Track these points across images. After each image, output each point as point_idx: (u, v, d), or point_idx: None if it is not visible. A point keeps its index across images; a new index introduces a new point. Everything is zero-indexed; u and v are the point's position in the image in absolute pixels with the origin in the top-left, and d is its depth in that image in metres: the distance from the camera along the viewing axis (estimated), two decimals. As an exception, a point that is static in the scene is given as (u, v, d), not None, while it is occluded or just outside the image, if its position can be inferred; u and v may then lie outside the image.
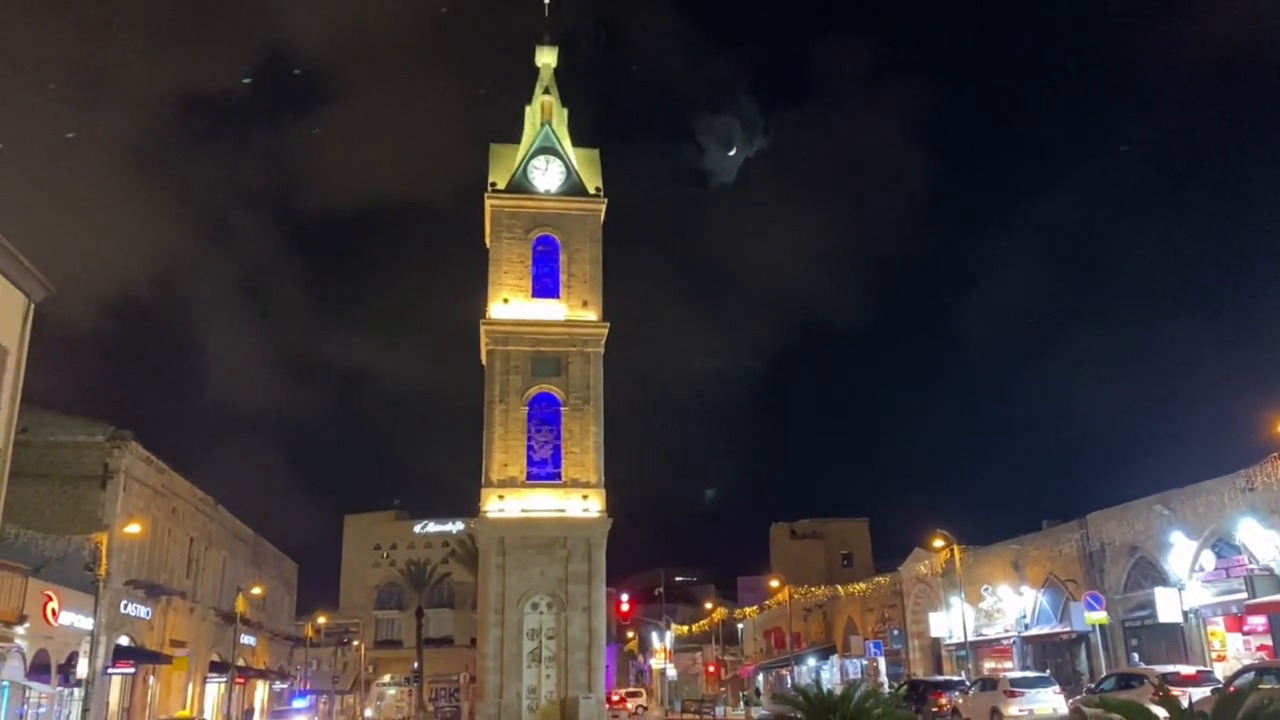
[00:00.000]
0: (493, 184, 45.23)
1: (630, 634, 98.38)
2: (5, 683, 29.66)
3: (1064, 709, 28.48)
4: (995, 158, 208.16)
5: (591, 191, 45.68)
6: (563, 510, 41.62)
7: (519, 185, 45.26)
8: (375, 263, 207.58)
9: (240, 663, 53.87)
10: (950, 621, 48.22)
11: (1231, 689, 19.43)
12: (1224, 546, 32.53)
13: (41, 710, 33.23)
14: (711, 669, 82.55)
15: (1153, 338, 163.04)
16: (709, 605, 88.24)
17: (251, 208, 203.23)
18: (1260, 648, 30.14)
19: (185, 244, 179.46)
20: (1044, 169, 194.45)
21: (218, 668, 51.01)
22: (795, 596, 67.05)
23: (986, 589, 45.56)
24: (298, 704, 52.41)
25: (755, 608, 79.77)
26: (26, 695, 31.85)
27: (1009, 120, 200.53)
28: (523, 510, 41.38)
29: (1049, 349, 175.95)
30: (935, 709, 32.30)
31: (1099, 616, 35.33)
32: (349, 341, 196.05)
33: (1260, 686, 18.51)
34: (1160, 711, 5.70)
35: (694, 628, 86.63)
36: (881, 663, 54.86)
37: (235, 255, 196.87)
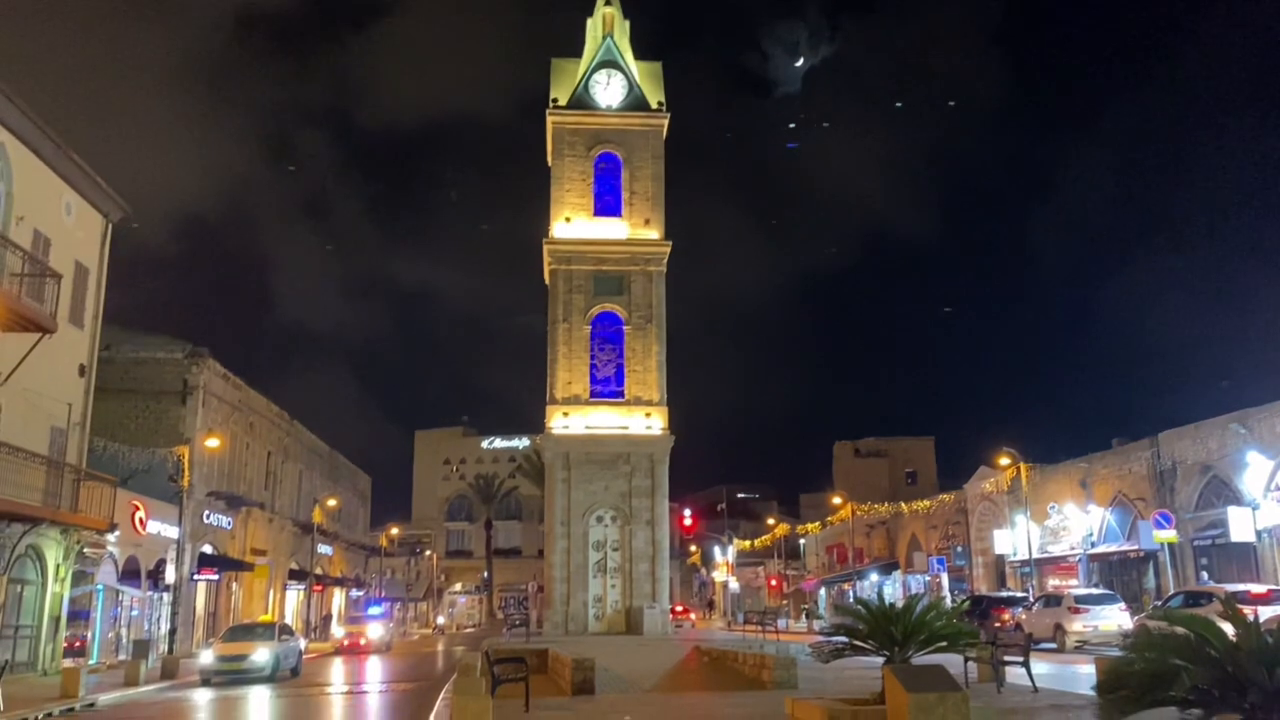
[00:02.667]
0: (554, 100, 44.83)
1: (693, 548, 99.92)
2: (100, 586, 31.33)
3: (1129, 625, 28.37)
4: (1073, 62, 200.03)
5: (654, 106, 45.05)
6: (626, 428, 42.08)
7: (580, 101, 44.80)
8: (437, 181, 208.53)
9: (318, 571, 56.05)
10: (1015, 539, 48.06)
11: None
12: (1302, 466, 31.79)
13: (134, 613, 35.09)
14: (773, 583, 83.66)
15: (1233, 251, 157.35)
16: (771, 521, 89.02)
17: (313, 127, 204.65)
18: (1335, 568, 29.65)
19: (251, 165, 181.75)
20: (1125, 73, 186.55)
21: (296, 575, 53.11)
22: (858, 513, 67.29)
23: (1052, 507, 45.24)
24: (373, 611, 54.39)
25: (818, 524, 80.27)
26: (119, 599, 33.64)
27: (1088, 21, 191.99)
28: (587, 427, 41.92)
29: (1124, 263, 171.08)
30: (998, 624, 32.39)
31: (1168, 535, 34.90)
32: (414, 261, 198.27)
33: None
34: (1227, 627, 5.69)
35: (756, 543, 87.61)
36: (944, 578, 55.08)
37: (300, 175, 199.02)
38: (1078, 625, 28.46)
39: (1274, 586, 26.51)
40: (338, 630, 49.70)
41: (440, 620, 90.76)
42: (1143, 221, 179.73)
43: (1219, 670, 5.15)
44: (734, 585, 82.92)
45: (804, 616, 64.06)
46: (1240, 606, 17.82)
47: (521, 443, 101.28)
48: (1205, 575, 35.50)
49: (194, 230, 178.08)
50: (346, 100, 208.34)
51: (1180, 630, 5.35)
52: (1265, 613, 20.49)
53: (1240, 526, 33.14)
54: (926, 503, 60.46)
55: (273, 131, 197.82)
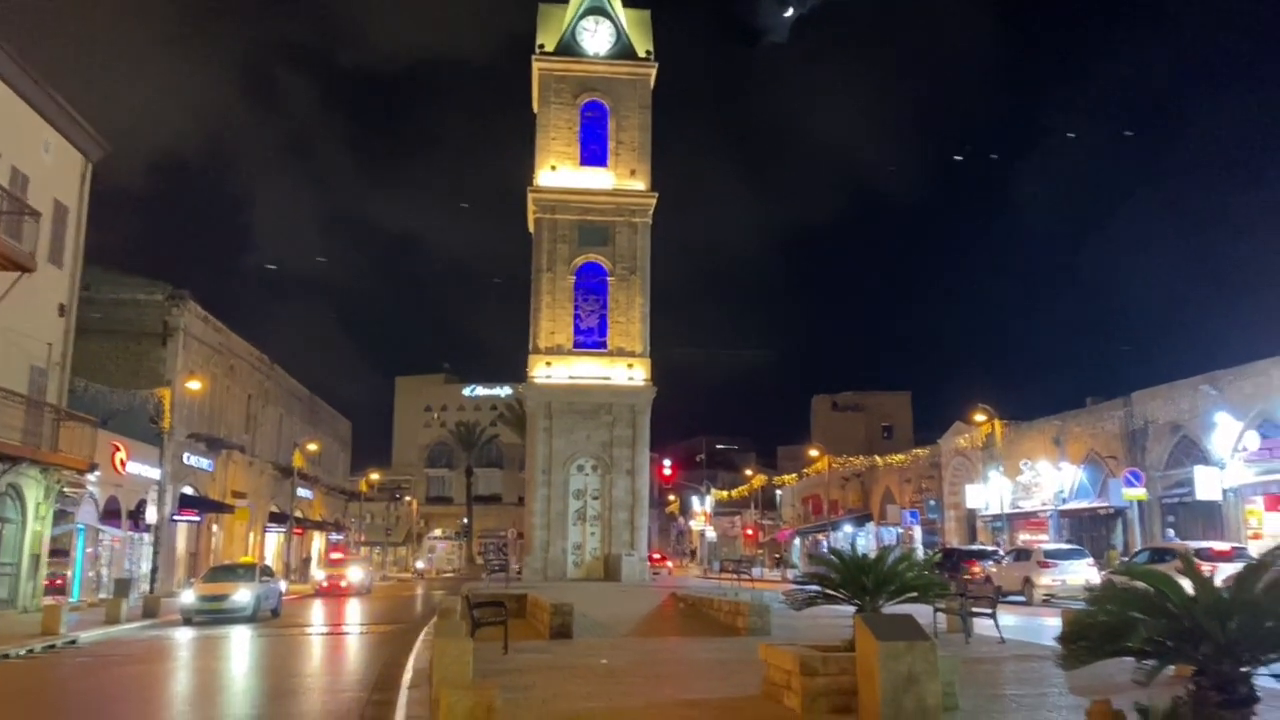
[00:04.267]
0: (540, 46, 44.32)
1: (671, 497, 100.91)
2: (81, 525, 31.47)
3: (1096, 580, 28.99)
4: (1065, 17, 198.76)
5: (641, 55, 44.62)
6: (608, 378, 42.27)
7: (567, 47, 44.32)
8: (421, 124, 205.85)
9: (298, 514, 56.34)
10: (987, 494, 48.84)
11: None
12: (1269, 427, 32.40)
13: (115, 551, 35.30)
14: (750, 532, 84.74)
15: (1213, 214, 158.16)
16: (749, 472, 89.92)
17: (296, 66, 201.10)
18: (1297, 526, 30.39)
19: (232, 103, 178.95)
20: (1118, 32, 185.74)
21: (277, 518, 53.39)
22: (834, 466, 68.09)
23: (1025, 463, 45.92)
24: (354, 555, 55.09)
25: (794, 475, 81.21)
26: (100, 538, 33.81)
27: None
28: (569, 377, 42.09)
29: (1105, 224, 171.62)
30: (968, 577, 33.04)
31: (1138, 493, 35.61)
32: (397, 204, 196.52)
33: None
34: (1187, 583, 5.94)
35: (734, 493, 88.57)
36: (917, 531, 55.96)
37: (282, 115, 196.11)
38: (1046, 579, 29.07)
39: (1237, 544, 27.16)
40: (318, 572, 50.14)
41: (420, 565, 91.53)
42: (1127, 181, 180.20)
43: (1175, 623, 5.40)
44: (711, 534, 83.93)
45: (778, 565, 64.99)
46: (1200, 563, 18.38)
47: (503, 391, 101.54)
48: (1171, 532, 36.27)
49: (173, 169, 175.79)
50: (329, 39, 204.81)
51: (1140, 585, 5.59)
52: (1227, 569, 21.08)
53: (1207, 485, 33.83)
54: (901, 457, 61.25)
55: (255, 70, 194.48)
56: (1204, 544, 25.60)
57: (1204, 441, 35.09)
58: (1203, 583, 5.42)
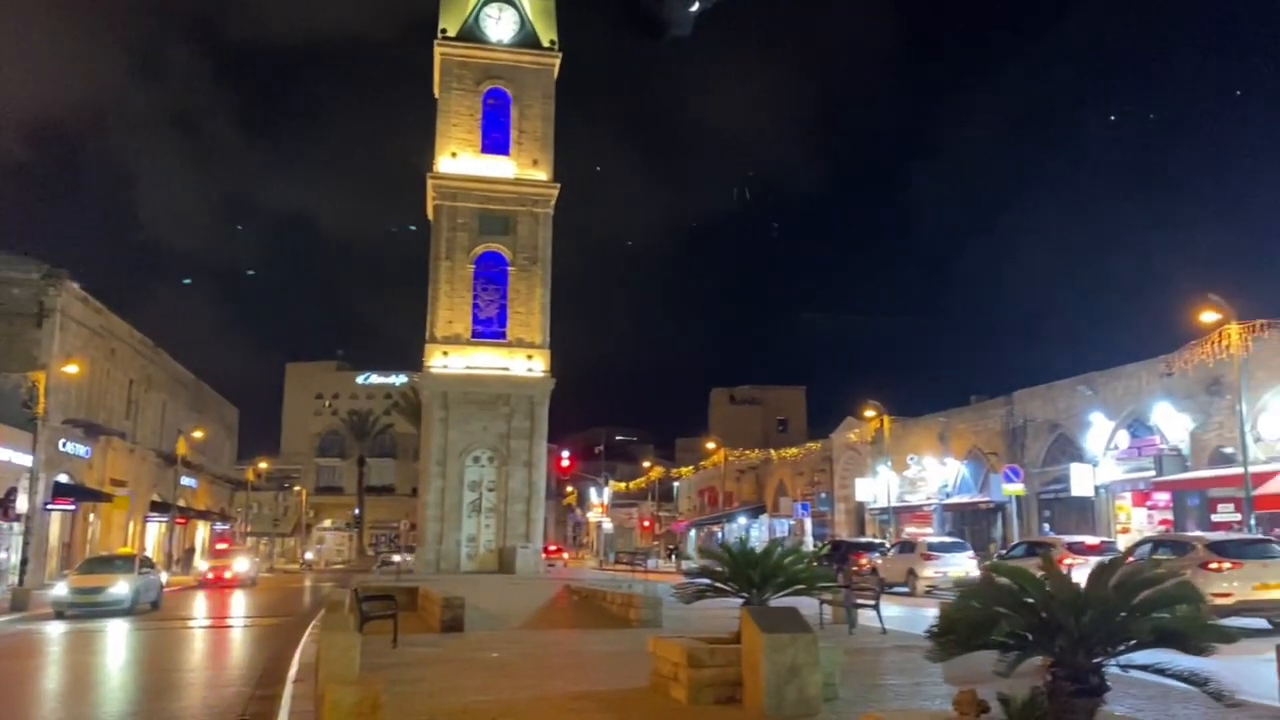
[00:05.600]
0: (442, 30, 43.70)
1: (569, 489, 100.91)
2: (-56, 515, 29.91)
3: (975, 572, 30.15)
4: (963, 23, 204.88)
5: (546, 44, 44.39)
6: (507, 369, 42.03)
7: (470, 34, 43.81)
8: (316, 102, 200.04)
9: (181, 504, 54.55)
10: (876, 487, 50.24)
11: (1129, 559, 20.94)
12: (1139, 427, 34.14)
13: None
14: (646, 524, 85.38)
15: (1092, 220, 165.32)
16: (647, 464, 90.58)
17: (181, 36, 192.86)
18: (1162, 522, 32.09)
19: (114, 74, 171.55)
20: (1012, 38, 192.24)
21: (159, 508, 51.61)
22: (730, 459, 69.12)
23: (912, 458, 47.38)
24: (239, 546, 53.60)
25: (691, 468, 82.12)
26: (-34, 528, 32.18)
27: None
28: (467, 367, 41.71)
29: (995, 225, 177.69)
30: (856, 568, 33.98)
31: (1016, 488, 37.18)
32: (290, 184, 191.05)
33: (1155, 558, 20.00)
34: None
35: (631, 485, 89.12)
36: (808, 523, 57.23)
37: (167, 88, 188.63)
38: (929, 571, 30.11)
39: (1106, 539, 28.57)
40: (202, 564, 48.66)
41: (309, 556, 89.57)
42: (1016, 184, 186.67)
43: (1034, 616, 5.71)
44: (608, 526, 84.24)
45: (672, 557, 65.71)
46: (1073, 556, 19.40)
47: (398, 379, 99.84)
48: (1047, 526, 37.94)
49: (52, 142, 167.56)
50: (216, 8, 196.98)
51: (1005, 581, 5.89)
52: (1096, 561, 22.23)
53: (1081, 482, 35.51)
54: (795, 450, 62.53)
55: (138, 38, 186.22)
56: (1077, 538, 26.80)
57: (1079, 440, 36.76)
58: (1060, 579, 5.74)
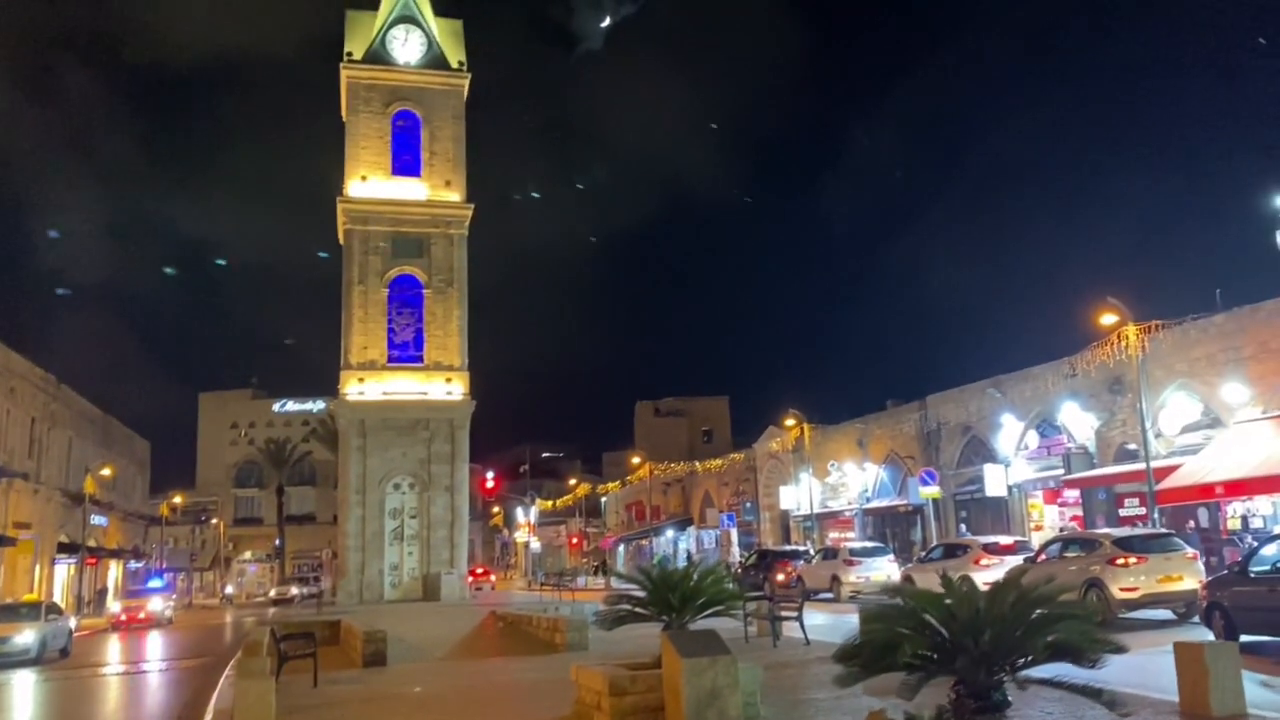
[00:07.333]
0: (348, 54, 43.23)
1: (495, 509, 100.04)
2: None
3: (897, 576, 30.70)
4: (871, 33, 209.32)
5: (454, 66, 44.18)
6: (425, 393, 41.56)
7: (377, 56, 43.40)
8: (220, 124, 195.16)
9: (91, 543, 52.65)
10: (799, 495, 50.80)
11: (1040, 557, 21.52)
12: (1047, 427, 35.13)
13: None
14: (574, 541, 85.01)
15: (999, 224, 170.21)
16: (573, 481, 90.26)
17: (76, 55, 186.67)
18: (1073, 518, 33.10)
19: (5, 97, 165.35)
20: (918, 50, 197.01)
21: (67, 549, 49.73)
22: (656, 472, 69.25)
23: (833, 465, 48.07)
24: (154, 584, 51.80)
25: (618, 483, 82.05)
26: None
27: None
28: (384, 393, 41.14)
29: (906, 230, 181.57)
30: (782, 576, 34.34)
31: (932, 491, 38.00)
32: (195, 209, 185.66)
33: (1066, 555, 20.61)
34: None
35: (558, 502, 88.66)
36: (734, 533, 57.58)
37: (61, 109, 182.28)
38: (852, 576, 30.55)
39: (1020, 538, 29.31)
40: (114, 605, 47.01)
41: (229, 590, 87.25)
42: (923, 192, 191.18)
43: (936, 638, 5.86)
44: (535, 545, 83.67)
45: (600, 572, 65.55)
46: (992, 556, 19.98)
47: (316, 405, 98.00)
48: (964, 528, 38.77)
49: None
50: (114, 27, 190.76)
51: (906, 604, 6.02)
52: (1012, 561, 22.77)
53: (994, 482, 36.40)
54: (719, 461, 62.91)
55: (28, 56, 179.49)
56: (992, 538, 27.44)
57: (991, 441, 37.69)
58: (960, 599, 5.90)
